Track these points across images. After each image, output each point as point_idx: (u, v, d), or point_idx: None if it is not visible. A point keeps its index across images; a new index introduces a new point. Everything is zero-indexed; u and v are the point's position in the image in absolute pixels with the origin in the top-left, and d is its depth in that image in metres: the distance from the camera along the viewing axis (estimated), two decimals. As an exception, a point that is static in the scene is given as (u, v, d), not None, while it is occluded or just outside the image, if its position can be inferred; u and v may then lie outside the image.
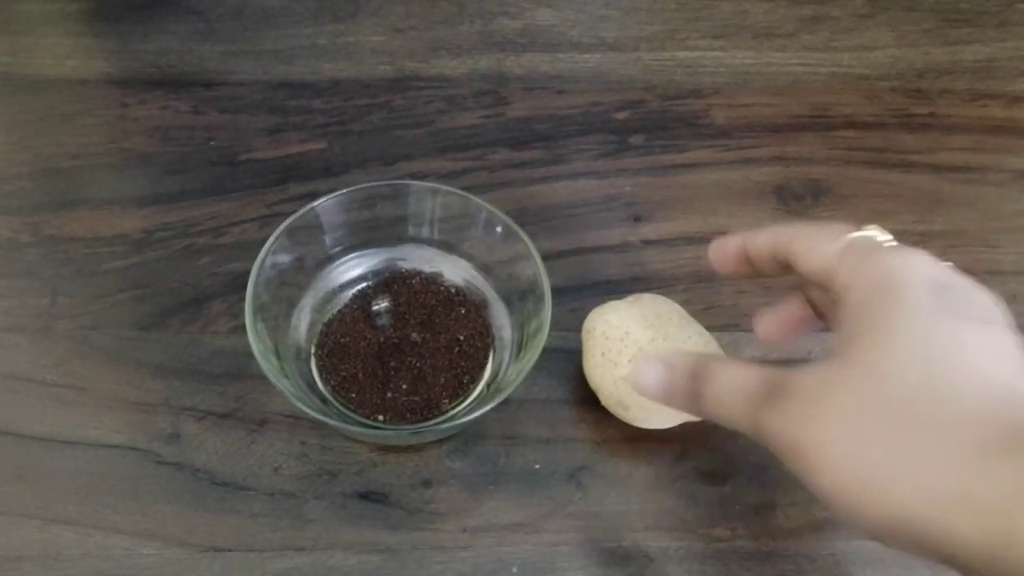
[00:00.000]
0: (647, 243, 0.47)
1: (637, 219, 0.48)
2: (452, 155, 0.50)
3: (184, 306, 0.43)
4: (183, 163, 0.49)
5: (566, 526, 0.38)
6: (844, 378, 0.27)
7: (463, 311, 0.41)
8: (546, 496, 0.39)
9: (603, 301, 0.40)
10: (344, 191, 0.40)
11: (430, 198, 0.42)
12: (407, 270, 0.43)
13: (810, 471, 0.27)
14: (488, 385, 0.40)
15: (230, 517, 0.38)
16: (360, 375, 0.39)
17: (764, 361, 0.36)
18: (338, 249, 0.42)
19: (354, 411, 0.39)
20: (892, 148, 0.51)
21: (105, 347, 0.42)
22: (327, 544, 0.37)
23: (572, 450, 0.40)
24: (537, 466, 0.39)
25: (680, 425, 0.39)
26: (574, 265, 0.46)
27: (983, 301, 0.28)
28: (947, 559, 0.25)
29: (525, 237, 0.39)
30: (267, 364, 0.36)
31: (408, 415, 0.39)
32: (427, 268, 0.43)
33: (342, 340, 0.40)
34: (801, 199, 0.49)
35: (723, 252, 0.35)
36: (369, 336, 0.40)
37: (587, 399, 0.40)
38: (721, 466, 0.39)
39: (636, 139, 0.51)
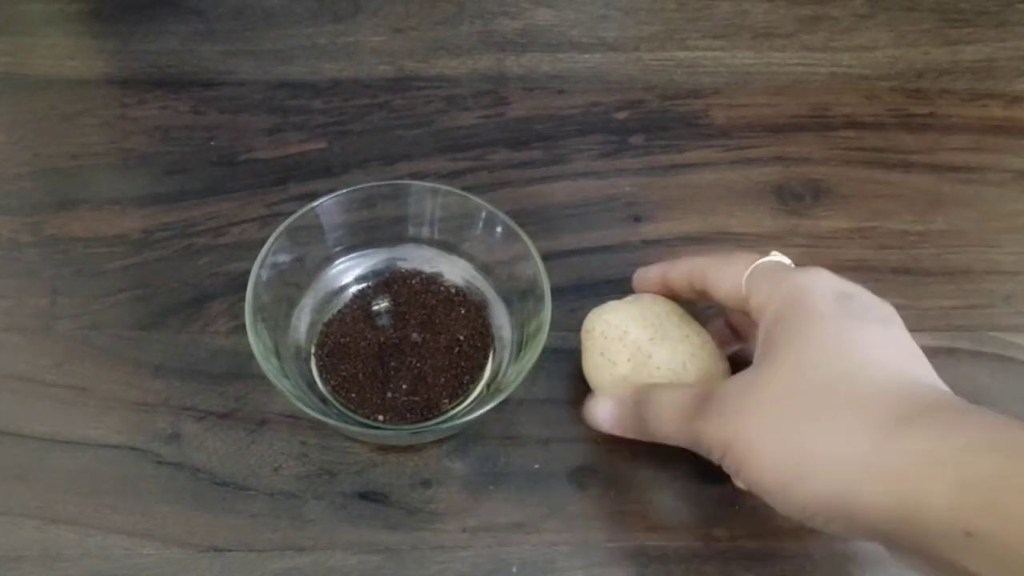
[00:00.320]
0: (647, 243, 0.47)
1: (637, 219, 0.48)
2: (452, 155, 0.50)
3: (184, 306, 0.43)
4: (183, 163, 0.49)
5: (566, 526, 0.38)
6: (766, 378, 0.31)
7: (463, 311, 0.41)
8: (546, 496, 0.39)
9: (603, 301, 0.40)
10: (344, 191, 0.40)
11: (430, 198, 0.42)
12: (407, 270, 0.43)
13: (741, 464, 0.31)
14: (488, 385, 0.40)
15: (230, 517, 0.38)
16: (360, 375, 0.39)
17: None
18: (338, 249, 0.42)
19: (354, 411, 0.39)
20: (892, 148, 0.51)
21: (105, 347, 0.42)
22: (327, 544, 0.37)
23: (572, 450, 0.40)
24: (537, 466, 0.39)
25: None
26: (574, 265, 0.46)
27: (881, 306, 0.32)
28: (871, 533, 0.28)
29: (525, 237, 0.39)
30: (267, 364, 0.36)
31: (408, 415, 0.39)
32: (427, 268, 0.43)
33: (342, 340, 0.40)
34: (801, 199, 0.49)
35: (645, 280, 0.40)
36: (369, 336, 0.40)
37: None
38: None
39: (636, 139, 0.51)
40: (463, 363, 0.40)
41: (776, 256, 0.35)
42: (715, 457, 0.32)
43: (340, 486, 0.39)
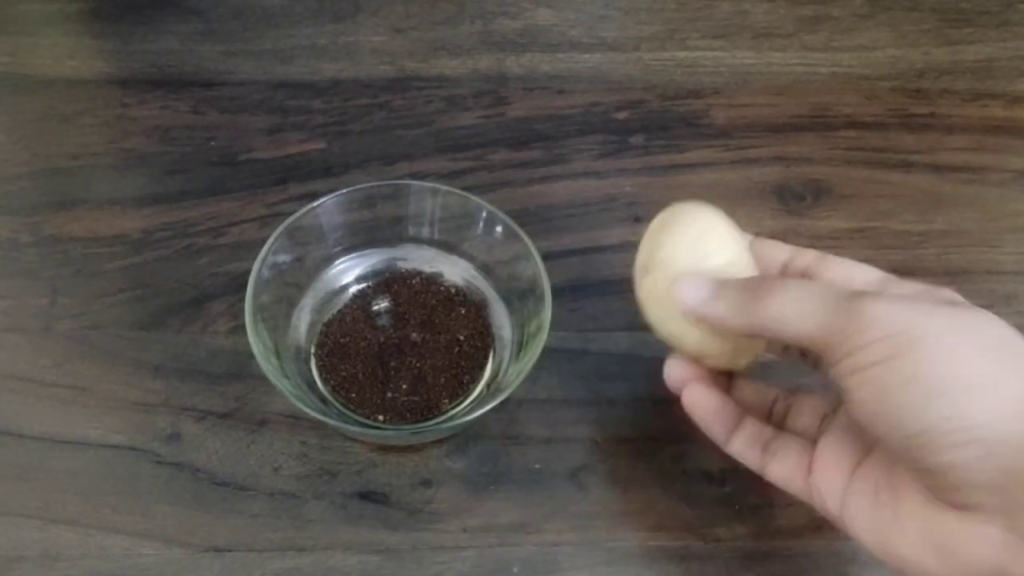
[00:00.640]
0: (647, 243, 0.47)
1: (637, 219, 0.48)
2: (452, 155, 0.50)
3: (184, 306, 0.43)
4: (183, 163, 0.48)
5: (566, 526, 0.38)
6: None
7: (463, 311, 0.41)
8: (546, 496, 0.39)
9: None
10: (344, 191, 0.40)
11: (430, 198, 0.42)
12: (407, 270, 0.43)
13: (919, 365, 0.27)
14: (488, 385, 0.40)
15: (230, 517, 0.38)
16: (360, 375, 0.39)
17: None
18: (338, 249, 0.42)
19: (354, 411, 0.39)
20: (892, 148, 0.51)
21: (105, 347, 0.42)
22: (327, 544, 0.37)
23: (572, 450, 0.40)
24: (537, 466, 0.39)
25: (680, 425, 0.38)
26: (574, 265, 0.46)
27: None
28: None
29: (525, 237, 0.39)
30: (267, 364, 0.36)
31: (408, 415, 0.39)
32: (427, 268, 0.43)
33: (342, 340, 0.40)
34: (802, 199, 0.49)
35: (771, 246, 0.37)
36: (369, 336, 0.40)
37: (587, 399, 0.40)
38: (721, 466, 0.39)
39: (636, 139, 0.51)
40: (463, 363, 0.40)
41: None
42: (872, 348, 0.28)
43: (340, 486, 0.39)
